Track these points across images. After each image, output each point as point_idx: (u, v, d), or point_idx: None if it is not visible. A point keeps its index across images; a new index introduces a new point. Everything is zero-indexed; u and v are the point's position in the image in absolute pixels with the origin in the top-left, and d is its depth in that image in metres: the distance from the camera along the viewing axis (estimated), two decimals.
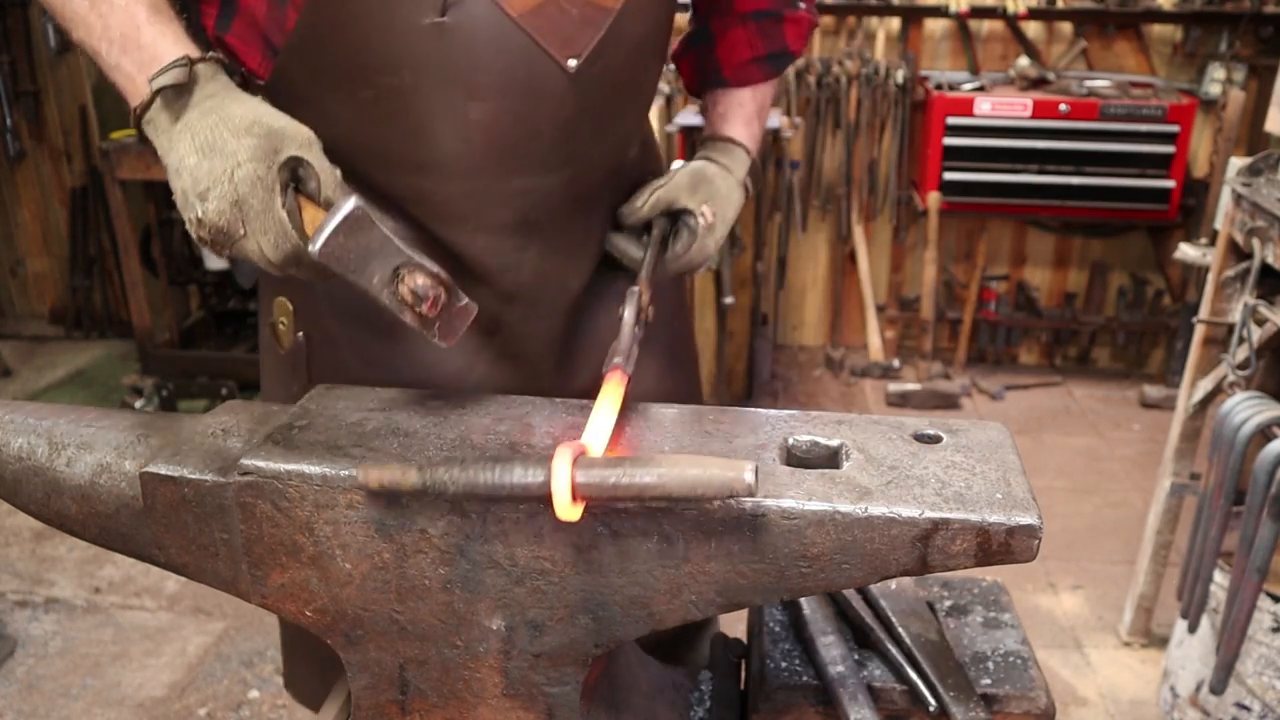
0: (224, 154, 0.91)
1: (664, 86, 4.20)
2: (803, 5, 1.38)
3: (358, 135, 1.13)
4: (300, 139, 0.96)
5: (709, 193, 1.31)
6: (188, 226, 0.94)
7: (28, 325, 4.93)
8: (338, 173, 0.98)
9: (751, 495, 0.76)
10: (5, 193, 4.81)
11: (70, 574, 3.05)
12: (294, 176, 0.96)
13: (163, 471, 0.91)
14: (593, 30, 1.10)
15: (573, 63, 1.09)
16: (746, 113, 1.40)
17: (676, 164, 1.36)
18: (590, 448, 0.83)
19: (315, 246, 0.89)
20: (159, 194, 4.07)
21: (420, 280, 0.93)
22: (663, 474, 0.77)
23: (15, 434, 1.00)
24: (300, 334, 1.23)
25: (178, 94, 0.95)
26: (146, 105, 0.96)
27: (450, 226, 1.16)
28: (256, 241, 0.93)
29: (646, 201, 1.28)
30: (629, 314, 1.11)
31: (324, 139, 1.11)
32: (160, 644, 2.77)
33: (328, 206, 0.95)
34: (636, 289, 1.14)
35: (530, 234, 1.19)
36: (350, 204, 0.90)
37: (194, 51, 0.97)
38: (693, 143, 3.62)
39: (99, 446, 0.98)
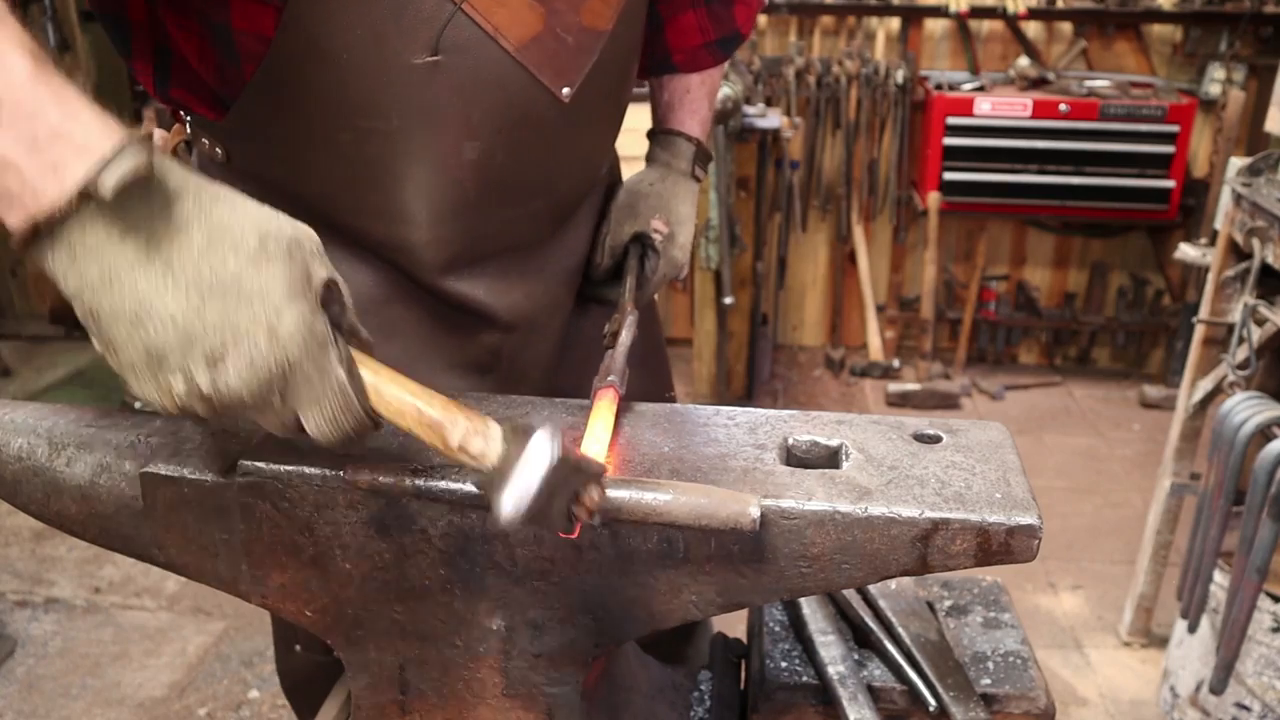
0: (245, 294, 0.64)
1: None
2: None
3: (331, 181, 1.04)
4: (316, 246, 0.71)
5: (654, 205, 1.30)
6: (147, 393, 0.65)
7: (28, 325, 4.92)
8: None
9: (754, 531, 0.76)
10: None
11: (70, 574, 3.05)
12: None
13: (163, 471, 0.91)
14: (587, 56, 1.07)
15: (566, 91, 1.06)
16: (694, 99, 1.38)
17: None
18: None
19: (515, 511, 0.69)
20: None
21: (599, 493, 0.75)
22: (669, 501, 0.77)
23: (15, 434, 1.00)
24: None
25: (120, 199, 0.62)
26: (62, 217, 0.61)
27: (440, 274, 1.11)
28: (295, 413, 0.69)
29: (604, 258, 1.29)
30: (624, 336, 1.11)
31: (289, 184, 1.04)
32: (160, 644, 2.77)
33: (352, 337, 0.74)
34: (628, 315, 1.15)
35: (523, 262, 1.17)
36: (548, 444, 0.70)
37: (118, 125, 0.65)
38: None
39: (99, 446, 0.98)
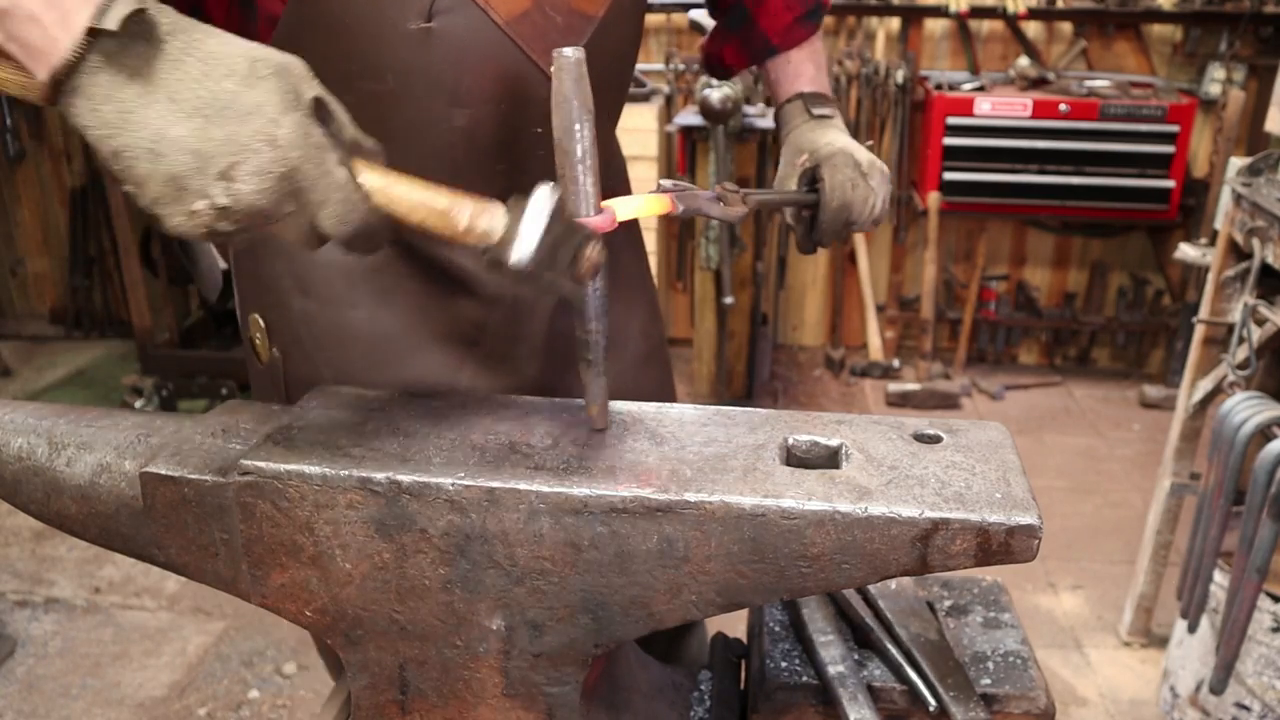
0: (242, 111, 0.70)
1: (663, 86, 4.21)
2: None
3: None
4: (305, 69, 0.77)
5: (794, 146, 1.30)
6: (178, 222, 0.71)
7: (28, 325, 4.92)
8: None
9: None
10: (5, 193, 4.81)
11: (70, 574, 3.05)
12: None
13: (163, 471, 0.91)
14: (576, 38, 1.11)
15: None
16: (795, 67, 1.40)
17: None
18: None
19: (522, 257, 0.78)
20: None
21: (597, 249, 0.82)
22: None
23: (15, 434, 1.00)
24: (275, 350, 1.20)
25: (122, 43, 0.69)
26: (73, 66, 0.69)
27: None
28: (310, 217, 0.76)
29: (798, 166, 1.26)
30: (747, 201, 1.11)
31: None
32: (160, 644, 2.77)
33: (357, 151, 0.80)
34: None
35: None
36: (547, 195, 0.80)
37: None
38: (693, 142, 3.62)
39: (99, 446, 0.98)
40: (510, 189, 1.17)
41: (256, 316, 1.21)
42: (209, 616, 2.88)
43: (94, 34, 0.68)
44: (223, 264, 3.76)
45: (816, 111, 1.34)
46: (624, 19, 1.18)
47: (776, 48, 1.40)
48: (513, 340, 1.23)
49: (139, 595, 2.97)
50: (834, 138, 1.28)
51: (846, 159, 1.23)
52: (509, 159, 1.14)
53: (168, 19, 0.71)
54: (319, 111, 0.76)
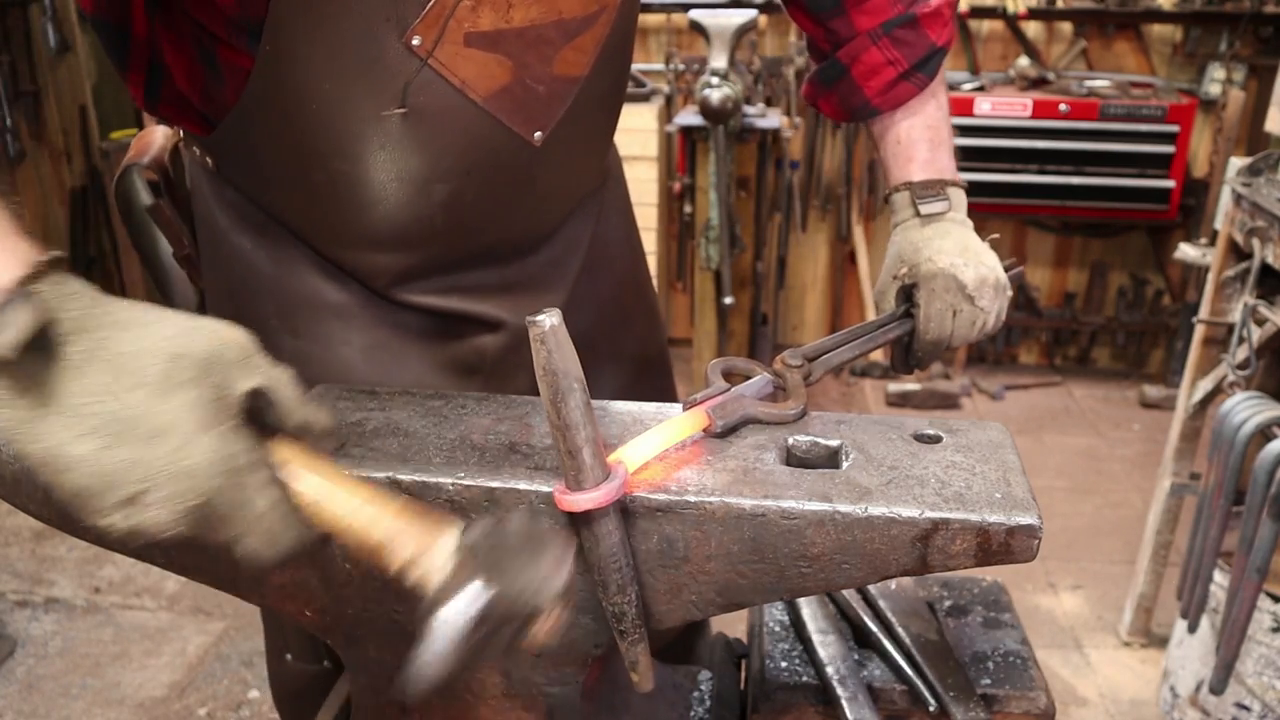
0: (150, 432, 0.61)
1: (663, 86, 4.20)
2: None
3: (309, 212, 1.07)
4: (239, 353, 0.67)
5: (896, 258, 1.17)
6: (94, 528, 0.62)
7: None
8: (289, 374, 0.71)
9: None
10: None
11: (70, 574, 3.05)
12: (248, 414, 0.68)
13: None
14: (560, 103, 1.07)
15: (538, 135, 1.06)
16: (906, 145, 1.22)
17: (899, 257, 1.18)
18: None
19: (412, 686, 0.65)
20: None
21: (550, 623, 0.69)
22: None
23: None
24: None
25: (21, 351, 0.59)
26: None
27: (410, 293, 1.13)
28: (234, 541, 0.67)
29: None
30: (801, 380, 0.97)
31: (269, 202, 1.06)
32: (160, 644, 2.77)
33: (304, 434, 0.70)
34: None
35: (500, 274, 1.17)
36: (460, 610, 0.65)
37: (16, 256, 0.61)
38: (693, 142, 3.62)
39: None
40: (493, 247, 1.14)
41: None
42: (209, 616, 2.87)
43: None
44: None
45: (926, 210, 1.19)
46: (612, 62, 1.12)
47: (877, 109, 1.23)
48: (514, 366, 1.20)
49: (139, 595, 2.97)
50: (940, 248, 1.14)
51: (948, 282, 1.11)
52: (491, 221, 1.11)
53: (73, 310, 0.62)
54: (257, 401, 0.67)
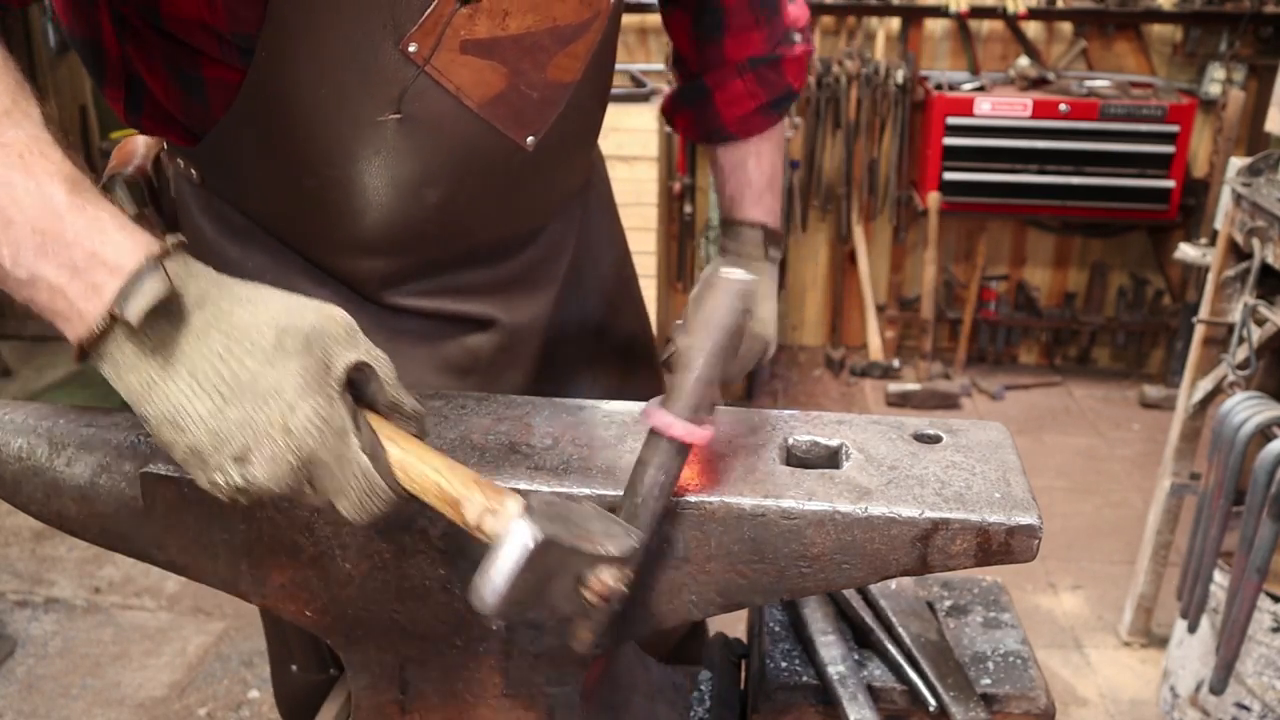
0: (260, 394, 0.68)
1: (663, 86, 4.20)
2: (798, 38, 1.31)
3: (299, 219, 1.08)
4: (343, 330, 0.72)
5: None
6: (204, 485, 0.70)
7: (28, 325, 4.91)
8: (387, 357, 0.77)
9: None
10: None
11: (70, 574, 3.05)
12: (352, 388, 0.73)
13: (163, 471, 0.91)
14: (552, 108, 1.08)
15: (531, 139, 1.08)
16: (752, 178, 1.32)
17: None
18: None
19: (488, 602, 0.69)
20: None
21: (610, 576, 0.73)
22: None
23: (15, 434, 1.00)
24: None
25: (151, 318, 0.67)
26: (99, 336, 0.67)
27: (399, 295, 1.14)
28: (328, 503, 0.73)
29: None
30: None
31: (258, 212, 1.06)
32: (160, 644, 2.77)
33: (393, 412, 0.76)
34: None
35: (491, 275, 1.18)
36: (524, 532, 0.69)
37: (147, 239, 0.69)
38: (694, 142, 3.62)
39: (99, 446, 0.98)
40: (482, 247, 1.15)
41: None
42: (209, 616, 2.87)
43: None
44: None
45: (772, 256, 1.31)
46: (601, 69, 1.14)
47: (733, 135, 1.32)
48: (507, 365, 1.21)
49: (139, 595, 2.97)
50: (769, 310, 1.26)
51: (760, 341, 1.23)
52: (481, 223, 1.12)
53: (197, 286, 0.70)
54: (358, 374, 0.73)
